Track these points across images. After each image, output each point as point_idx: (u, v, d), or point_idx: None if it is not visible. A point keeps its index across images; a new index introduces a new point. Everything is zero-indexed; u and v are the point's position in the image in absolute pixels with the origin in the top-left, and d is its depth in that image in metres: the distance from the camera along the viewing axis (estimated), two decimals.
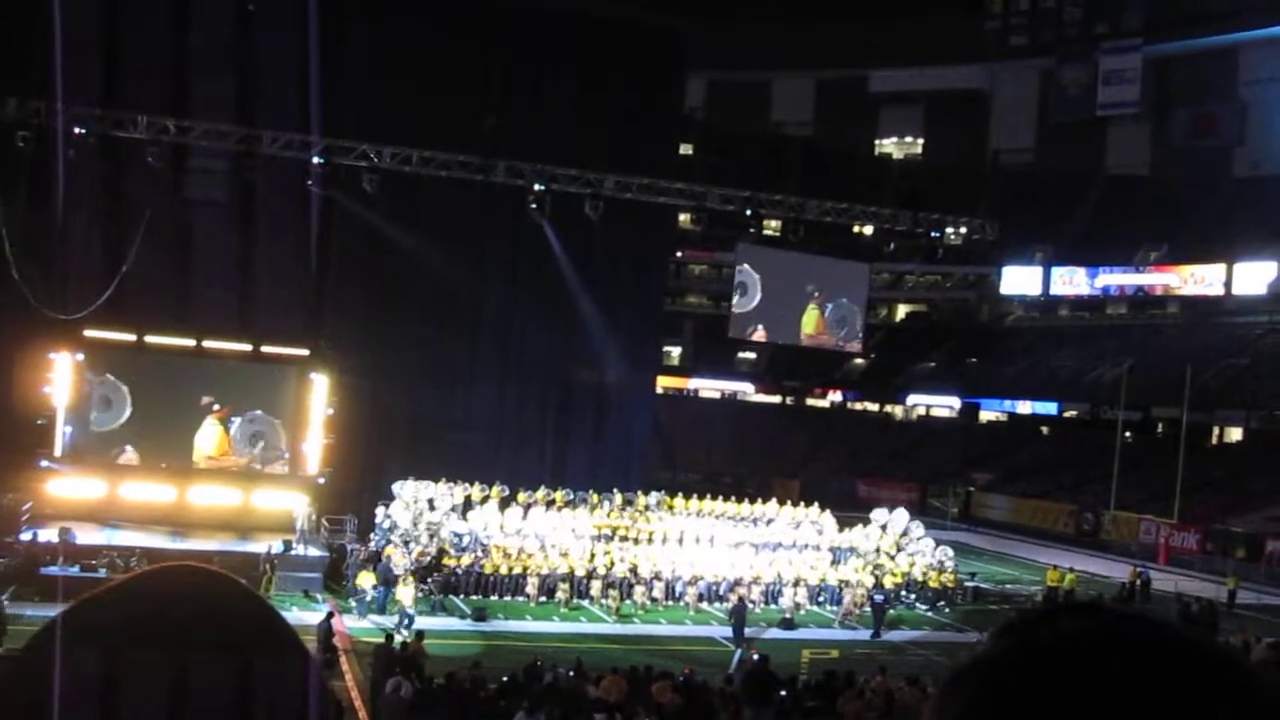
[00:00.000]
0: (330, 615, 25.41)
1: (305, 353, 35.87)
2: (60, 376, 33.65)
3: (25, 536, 29.87)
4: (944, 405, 70.91)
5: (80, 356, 33.98)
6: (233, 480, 34.91)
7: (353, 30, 36.70)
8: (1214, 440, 57.73)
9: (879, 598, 31.69)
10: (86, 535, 29.97)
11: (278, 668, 1.22)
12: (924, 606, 34.20)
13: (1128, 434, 54.40)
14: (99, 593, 1.28)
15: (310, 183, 35.75)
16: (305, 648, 1.28)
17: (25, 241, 33.51)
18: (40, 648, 1.33)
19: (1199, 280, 64.46)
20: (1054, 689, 1.23)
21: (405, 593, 27.52)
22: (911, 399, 71.94)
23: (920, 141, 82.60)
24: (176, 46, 33.35)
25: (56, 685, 1.23)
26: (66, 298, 33.40)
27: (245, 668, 1.20)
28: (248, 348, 35.49)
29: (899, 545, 37.25)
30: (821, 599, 33.47)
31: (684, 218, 47.14)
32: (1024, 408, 66.53)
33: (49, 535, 29.62)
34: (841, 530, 38.17)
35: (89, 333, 33.94)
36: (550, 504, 36.86)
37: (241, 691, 1.21)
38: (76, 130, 32.91)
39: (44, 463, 33.37)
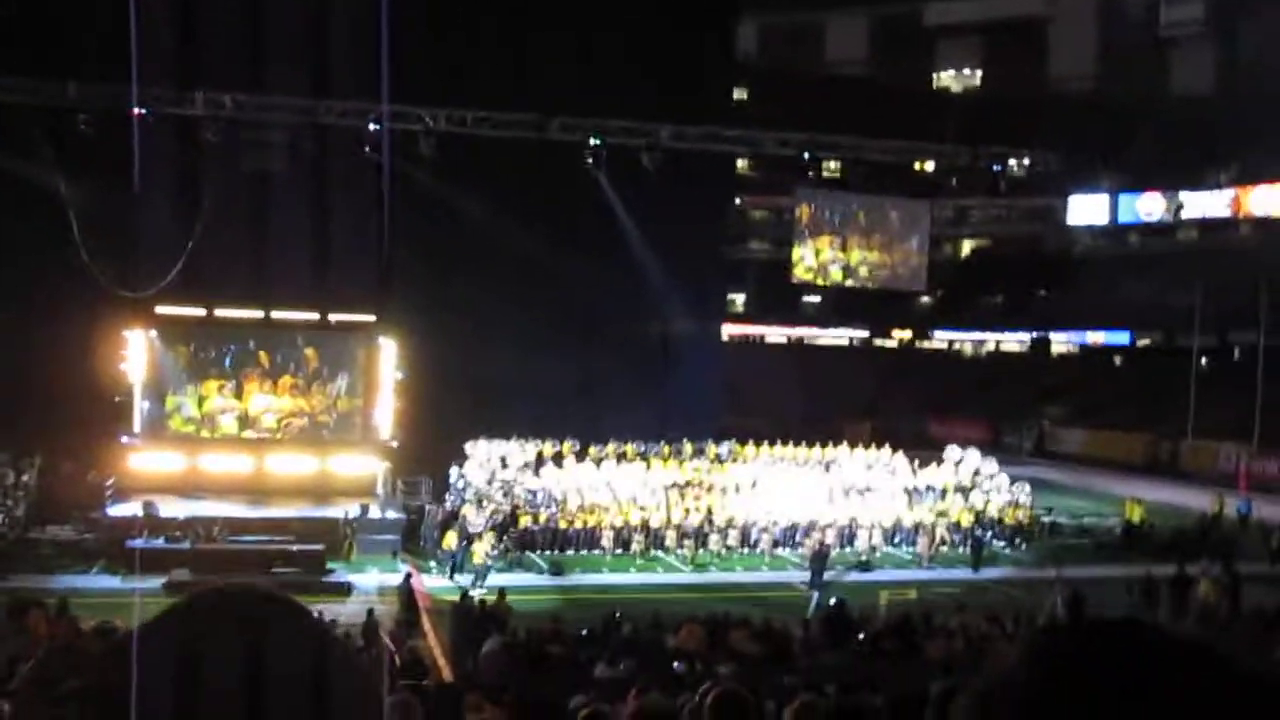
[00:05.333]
0: (409, 575, 25.76)
1: (372, 318, 36.18)
2: (135, 354, 34.22)
3: (110, 511, 30.54)
4: (1014, 340, 70.14)
5: (153, 333, 34.54)
6: (310, 447, 35.37)
7: None
8: None
9: (978, 533, 31.75)
10: (169, 508, 30.59)
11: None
12: (1001, 543, 34.01)
13: (1204, 360, 53.55)
14: (144, 629, 1.24)
15: (368, 149, 35.96)
16: (366, 679, 1.25)
17: (92, 223, 34.02)
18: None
19: (1271, 201, 63.08)
20: None
21: (479, 548, 27.86)
22: (981, 334, 71.23)
23: (978, 73, 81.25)
24: (231, 23, 33.49)
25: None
26: (136, 276, 33.88)
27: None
28: (316, 316, 35.90)
29: (974, 483, 37.05)
30: (897, 540, 33.41)
31: (742, 163, 46.85)
32: (1096, 338, 65.68)
33: (132, 509, 30.29)
34: (915, 470, 38.03)
35: (160, 309, 34.48)
36: (621, 457, 37.06)
37: None
38: (137, 110, 33.30)
39: (124, 439, 34.01)
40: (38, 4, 32.90)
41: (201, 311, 34.94)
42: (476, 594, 24.10)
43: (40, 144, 34.31)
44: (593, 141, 37.99)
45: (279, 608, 1.39)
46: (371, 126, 35.99)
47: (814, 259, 48.02)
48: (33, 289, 33.79)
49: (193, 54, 33.74)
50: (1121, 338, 64.28)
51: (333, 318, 36.01)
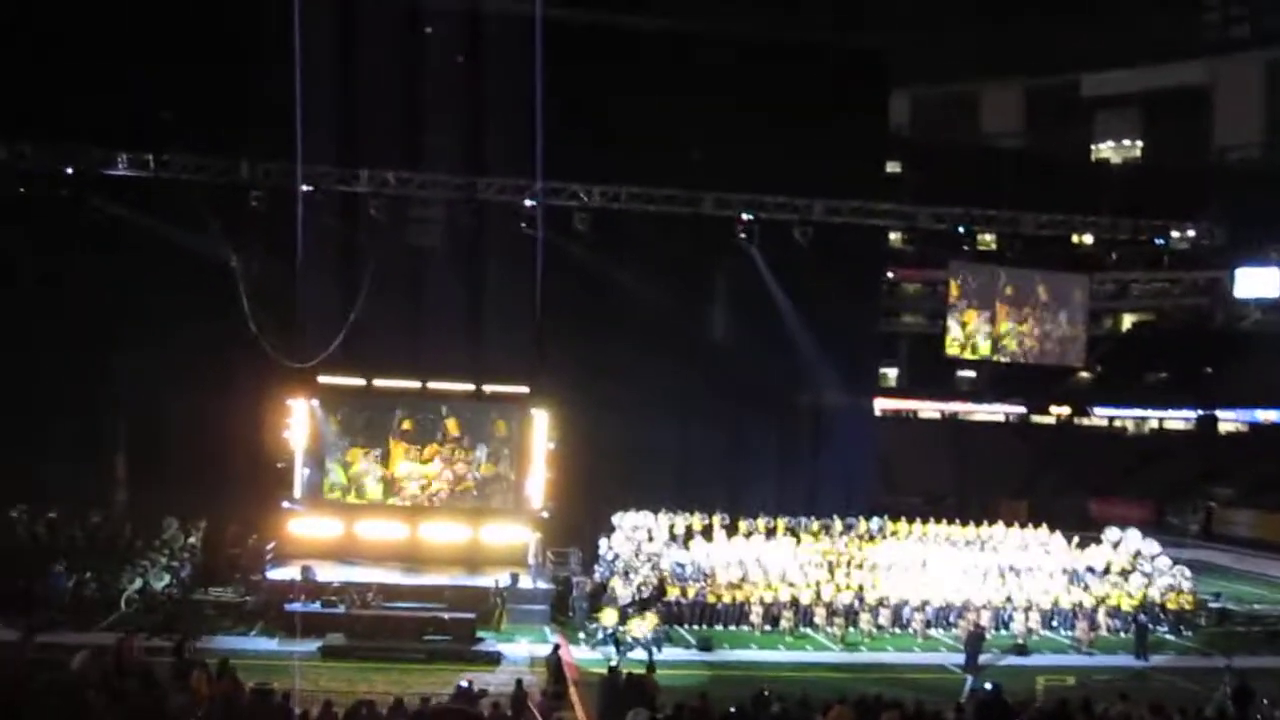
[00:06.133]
0: (558, 646, 25.85)
1: (526, 390, 36.69)
2: (298, 421, 35.25)
3: (270, 574, 31.36)
4: (1178, 417, 67.87)
5: (316, 402, 35.55)
6: (462, 516, 35.88)
7: (557, 71, 37.55)
8: None
9: (1142, 618, 30.83)
10: (325, 572, 31.29)
11: None
12: (1164, 629, 32.76)
13: None
14: None
15: (524, 224, 36.75)
16: None
17: (261, 294, 35.33)
18: None
19: None
20: None
21: (639, 625, 27.83)
22: (1144, 412, 69.11)
23: (1139, 144, 79.59)
24: (393, 103, 34.67)
25: None
26: (301, 347, 34.98)
27: None
28: (471, 387, 36.56)
29: (1134, 565, 35.82)
30: (1055, 623, 32.42)
31: (895, 236, 46.52)
32: (1266, 416, 63.16)
33: (291, 573, 31.06)
34: (1073, 551, 36.96)
35: (322, 379, 35.51)
36: (771, 531, 36.80)
37: None
38: (305, 187, 34.61)
39: (285, 504, 34.97)
40: (210, 83, 34.45)
41: (361, 381, 35.85)
42: (621, 666, 24.04)
43: (212, 219, 35.80)
44: (745, 216, 38.17)
45: None
46: (528, 202, 36.81)
47: (963, 333, 47.23)
48: (203, 359, 35.09)
49: (358, 132, 34.98)
50: None
51: (487, 388, 36.60)
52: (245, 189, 35.78)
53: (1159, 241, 42.71)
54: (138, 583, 30.22)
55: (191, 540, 33.36)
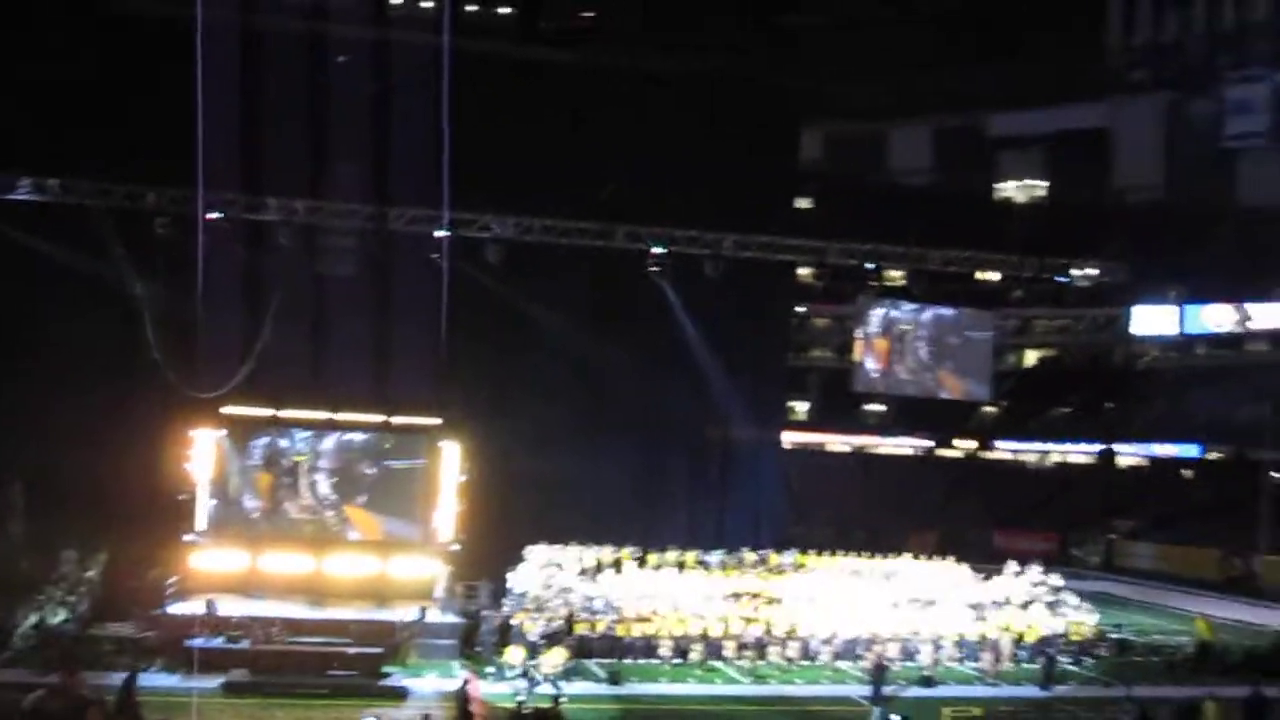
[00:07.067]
0: (466, 681, 25.56)
1: (437, 421, 36.39)
2: (201, 453, 34.62)
3: (171, 609, 30.68)
4: (1080, 451, 69.18)
5: (220, 432, 34.93)
6: (369, 549, 35.43)
7: (469, 103, 37.54)
8: None
9: (1048, 649, 31.40)
10: (229, 606, 30.69)
11: None
12: (1067, 659, 33.24)
13: (1275, 474, 52.49)
14: None
15: (435, 255, 36.52)
16: None
17: (165, 323, 34.75)
18: None
19: None
20: None
21: (547, 659, 27.61)
22: (1047, 445, 70.34)
23: (1043, 184, 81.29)
24: (303, 132, 34.44)
25: None
26: (205, 376, 34.42)
27: None
28: (380, 418, 36.16)
29: (1034, 597, 36.33)
30: (962, 655, 32.76)
31: (805, 271, 47.04)
32: (1165, 451, 64.62)
33: (193, 607, 30.42)
34: (979, 583, 37.42)
35: (227, 409, 34.92)
36: (681, 565, 36.83)
37: None
38: (212, 215, 34.13)
39: (187, 537, 34.27)
40: (114, 110, 33.94)
41: (268, 412, 35.31)
42: (527, 701, 23.85)
43: (115, 245, 35.18)
44: (656, 250, 38.35)
45: None
46: (438, 233, 36.62)
47: (875, 367, 47.77)
48: (103, 387, 34.39)
49: (267, 160, 34.65)
50: (1191, 450, 63.18)
51: (396, 420, 36.23)
52: (151, 216, 35.20)
53: (1061, 279, 43.59)
54: (33, 618, 29.37)
55: (90, 574, 32.55)
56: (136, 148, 34.64)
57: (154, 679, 26.46)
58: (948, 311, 46.80)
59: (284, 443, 35.47)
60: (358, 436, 35.74)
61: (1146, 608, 45.11)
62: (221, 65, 25.43)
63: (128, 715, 18.05)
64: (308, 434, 35.57)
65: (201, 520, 34.59)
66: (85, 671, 23.15)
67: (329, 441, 35.53)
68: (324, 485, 35.55)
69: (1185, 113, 70.92)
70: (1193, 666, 33.22)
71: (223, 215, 34.84)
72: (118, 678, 24.12)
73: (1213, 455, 62.66)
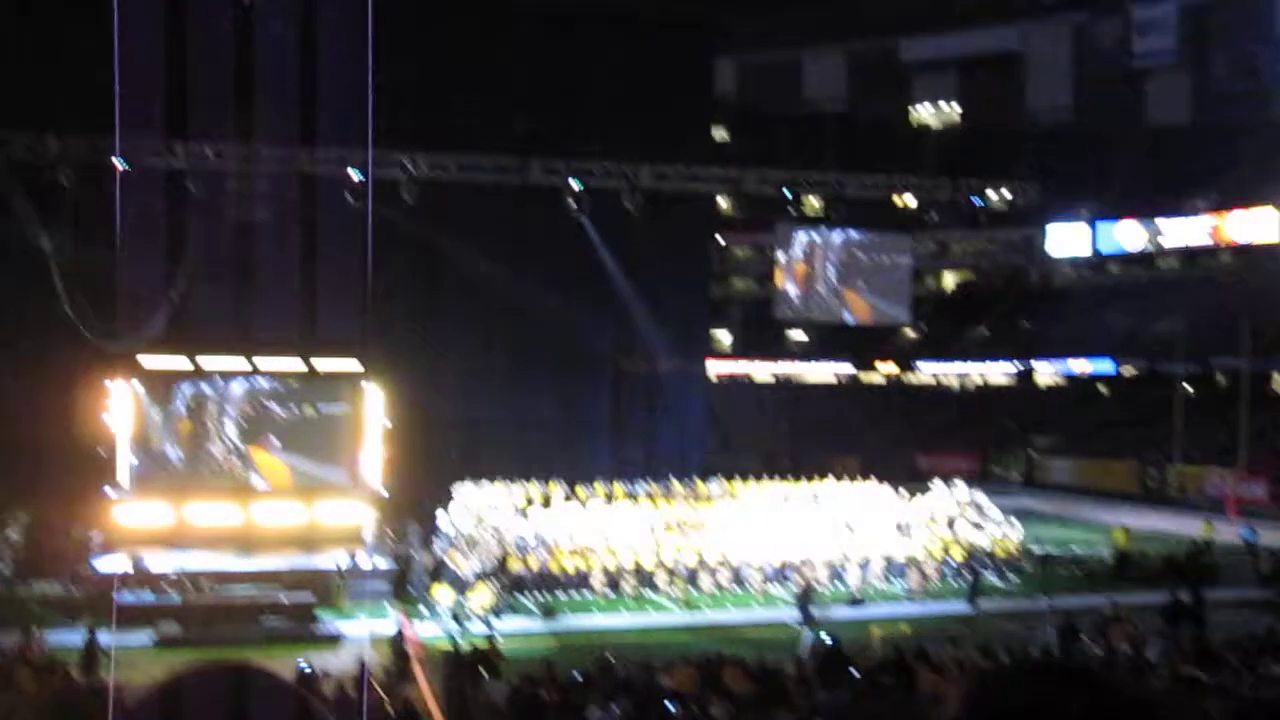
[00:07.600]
0: (400, 624, 25.60)
1: (358, 366, 36.12)
2: (119, 405, 34.10)
3: (97, 565, 30.33)
4: (999, 371, 70.33)
5: (137, 384, 34.42)
6: (295, 496, 35.22)
7: (380, 42, 36.93)
8: (1276, 388, 56.89)
9: (974, 566, 32.11)
10: (156, 561, 30.41)
11: None
12: (992, 575, 33.96)
13: (1188, 387, 53.77)
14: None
15: (351, 197, 36.05)
16: None
17: (75, 275, 34.01)
18: None
19: (1249, 227, 63.48)
20: None
21: (477, 598, 27.71)
22: (966, 366, 71.41)
23: (956, 107, 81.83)
24: (212, 75, 33.62)
25: None
26: (120, 328, 33.82)
27: None
28: (302, 365, 35.82)
29: (961, 515, 37.03)
30: (888, 574, 33.34)
31: (724, 202, 47.08)
32: (1081, 368, 65.88)
33: (120, 563, 30.10)
34: (904, 503, 38.04)
35: (144, 360, 34.39)
36: (609, 497, 37.02)
37: None
38: (117, 162, 33.35)
39: (109, 491, 33.83)
40: (12, 56, 32.94)
41: (186, 362, 34.82)
42: (462, 641, 23.95)
43: (19, 197, 34.28)
44: (574, 184, 38.14)
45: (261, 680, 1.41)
46: (352, 174, 36.09)
47: (795, 292, 48.13)
48: (15, 342, 33.66)
49: (173, 105, 33.83)
50: (1106, 366, 64.46)
51: (319, 366, 35.91)
52: (53, 165, 34.32)
53: (976, 201, 44.00)
54: None
55: (11, 533, 32.03)
56: (36, 94, 33.67)
57: (82, 637, 26.19)
58: (857, 234, 47.17)
59: (205, 391, 35.07)
60: (267, 383, 35.40)
61: (1067, 521, 46.15)
62: (124, 3, 24.72)
63: (59, 675, 17.86)
64: (224, 383, 35.18)
65: (123, 474, 34.16)
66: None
67: (238, 388, 35.16)
68: (234, 433, 35.23)
69: (1093, 33, 71.55)
70: (1113, 575, 34.12)
71: (128, 163, 33.99)
72: (58, 637, 23.88)
73: (1127, 370, 64.00)
